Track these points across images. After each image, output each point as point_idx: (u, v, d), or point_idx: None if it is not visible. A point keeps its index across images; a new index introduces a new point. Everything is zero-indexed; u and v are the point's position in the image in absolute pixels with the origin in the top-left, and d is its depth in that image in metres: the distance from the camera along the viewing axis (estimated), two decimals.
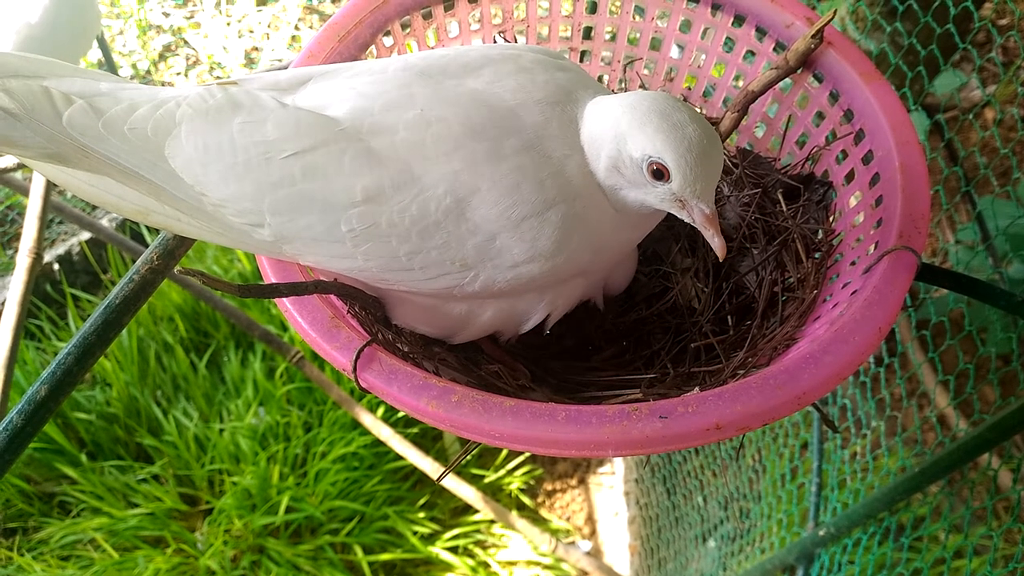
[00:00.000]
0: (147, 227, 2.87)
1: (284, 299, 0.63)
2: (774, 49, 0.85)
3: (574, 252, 0.67)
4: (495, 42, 0.91)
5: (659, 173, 0.64)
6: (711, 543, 2.07)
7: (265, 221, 0.63)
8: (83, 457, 2.38)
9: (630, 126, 0.64)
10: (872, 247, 0.69)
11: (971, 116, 1.45)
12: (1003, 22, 2.39)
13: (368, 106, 0.65)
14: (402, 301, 0.71)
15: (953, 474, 1.05)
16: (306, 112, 0.64)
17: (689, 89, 0.93)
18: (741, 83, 0.88)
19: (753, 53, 0.86)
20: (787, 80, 0.84)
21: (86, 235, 2.85)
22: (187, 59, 3.54)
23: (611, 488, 2.64)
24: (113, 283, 2.84)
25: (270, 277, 0.67)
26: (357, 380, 0.60)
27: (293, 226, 0.64)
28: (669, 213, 0.68)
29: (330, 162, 0.63)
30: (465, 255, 0.65)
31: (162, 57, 3.54)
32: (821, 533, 1.34)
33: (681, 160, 0.63)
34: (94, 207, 2.98)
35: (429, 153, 0.63)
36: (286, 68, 0.75)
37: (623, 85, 0.94)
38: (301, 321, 0.63)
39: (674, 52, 0.92)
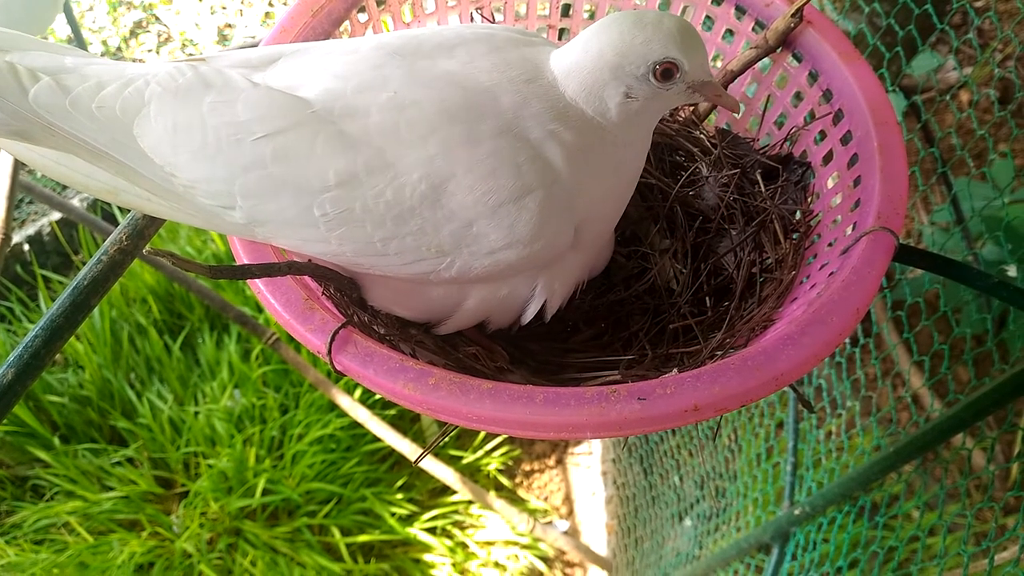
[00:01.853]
0: (118, 207, 2.83)
1: (257, 280, 0.62)
2: (753, 28, 0.84)
3: (552, 237, 0.67)
4: (472, 19, 0.90)
5: (668, 72, 0.65)
6: (687, 522, 2.09)
7: (236, 203, 0.62)
8: (56, 440, 2.35)
9: (618, 52, 0.64)
10: (850, 228, 0.68)
11: (948, 97, 1.46)
12: (979, 4, 2.40)
13: (340, 87, 0.64)
14: (379, 283, 0.70)
15: (927, 453, 1.06)
16: (278, 92, 0.63)
17: None
18: (720, 63, 0.87)
19: (732, 32, 0.86)
20: (766, 60, 0.83)
21: (56, 215, 2.81)
22: (159, 36, 3.48)
23: (588, 468, 2.65)
24: (85, 264, 2.80)
25: (242, 258, 0.66)
26: (332, 363, 0.59)
27: (265, 209, 0.62)
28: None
29: (302, 145, 0.61)
30: (441, 241, 0.64)
31: (133, 34, 3.48)
32: (796, 512, 1.36)
33: (684, 47, 0.64)
34: (64, 186, 2.93)
35: (403, 137, 0.62)
36: (258, 46, 0.73)
37: None
38: (275, 303, 0.62)
39: None
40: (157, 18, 3.51)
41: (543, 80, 0.67)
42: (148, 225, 0.71)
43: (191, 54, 3.35)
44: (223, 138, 0.61)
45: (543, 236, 0.65)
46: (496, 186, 0.63)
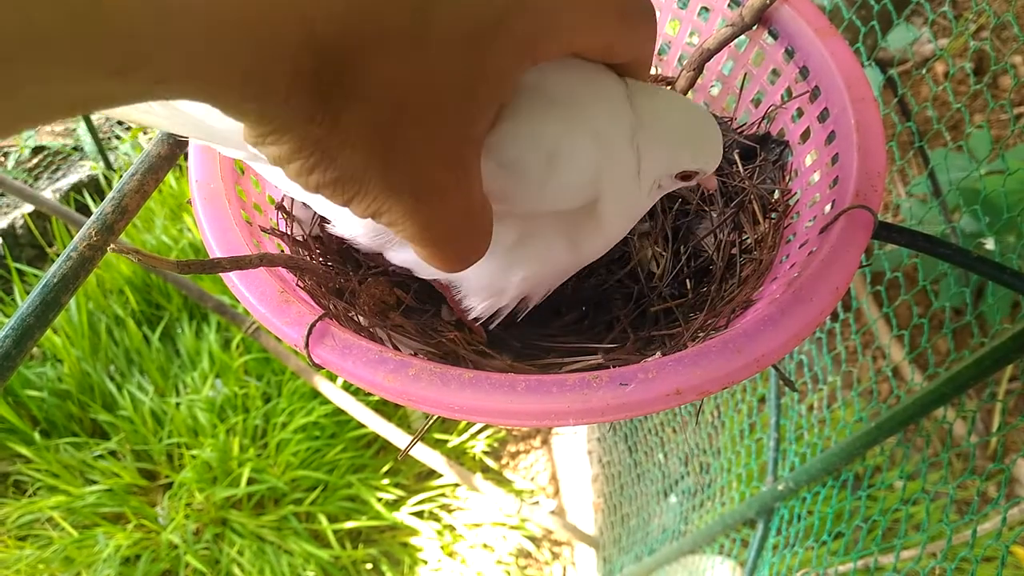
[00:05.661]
0: (92, 197, 2.79)
1: (229, 274, 0.61)
2: (729, 5, 0.83)
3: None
4: None
5: (688, 176, 0.63)
6: (672, 498, 2.10)
7: None
8: (36, 435, 2.33)
9: (678, 153, 0.62)
10: (828, 206, 0.68)
11: (924, 71, 1.45)
12: None
13: None
14: None
15: (908, 426, 1.07)
16: None
17: None
18: (696, 40, 0.86)
19: (708, 9, 0.85)
20: (742, 37, 0.82)
21: (29, 207, 2.77)
22: None
23: (574, 448, 2.66)
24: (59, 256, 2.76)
25: (214, 251, 0.65)
26: (310, 356, 0.58)
27: None
28: None
29: None
30: None
31: None
32: (780, 488, 1.36)
33: (717, 159, 0.63)
34: (36, 178, 2.89)
35: None
36: None
37: None
38: (249, 296, 0.60)
39: None
40: None
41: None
42: (118, 219, 0.70)
43: None
44: None
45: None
46: None
